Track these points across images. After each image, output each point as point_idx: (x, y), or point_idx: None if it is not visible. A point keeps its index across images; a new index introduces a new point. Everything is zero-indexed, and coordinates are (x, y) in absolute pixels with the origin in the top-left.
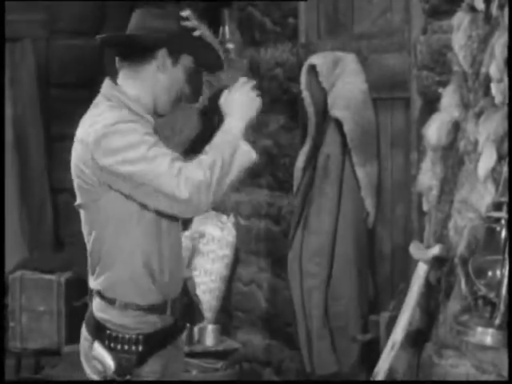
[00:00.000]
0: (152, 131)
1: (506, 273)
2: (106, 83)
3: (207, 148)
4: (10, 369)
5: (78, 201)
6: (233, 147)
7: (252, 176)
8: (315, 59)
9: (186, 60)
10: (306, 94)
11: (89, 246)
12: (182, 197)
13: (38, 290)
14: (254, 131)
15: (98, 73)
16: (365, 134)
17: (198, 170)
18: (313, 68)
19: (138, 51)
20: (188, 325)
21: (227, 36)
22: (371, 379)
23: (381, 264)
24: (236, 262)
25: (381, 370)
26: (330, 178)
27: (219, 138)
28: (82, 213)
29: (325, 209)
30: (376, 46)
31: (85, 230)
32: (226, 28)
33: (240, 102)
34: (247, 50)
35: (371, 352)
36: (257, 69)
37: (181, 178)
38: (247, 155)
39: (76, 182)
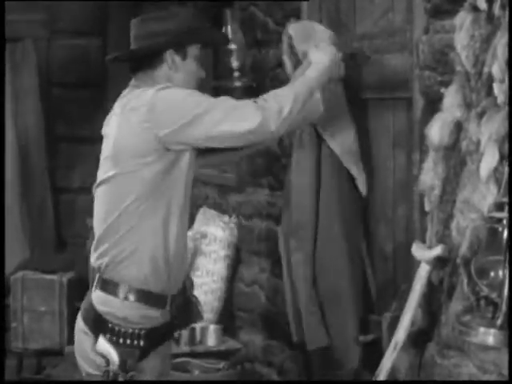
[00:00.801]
0: None
1: (507, 273)
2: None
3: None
4: (12, 369)
5: (111, 172)
6: (309, 93)
7: (253, 176)
8: (292, 27)
9: (194, 49)
10: (285, 59)
11: (105, 223)
12: (255, 119)
13: (39, 291)
14: None
15: (100, 72)
16: (329, 108)
17: (273, 100)
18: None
19: (146, 61)
20: (185, 324)
21: (229, 36)
22: (373, 379)
23: (383, 264)
24: (238, 262)
25: (383, 370)
26: (305, 150)
27: (299, 81)
28: (107, 188)
29: (303, 182)
30: (378, 46)
31: (105, 205)
32: (229, 28)
33: (324, 57)
34: (249, 50)
35: (373, 352)
36: (259, 69)
37: (257, 103)
38: (317, 105)
39: (113, 154)
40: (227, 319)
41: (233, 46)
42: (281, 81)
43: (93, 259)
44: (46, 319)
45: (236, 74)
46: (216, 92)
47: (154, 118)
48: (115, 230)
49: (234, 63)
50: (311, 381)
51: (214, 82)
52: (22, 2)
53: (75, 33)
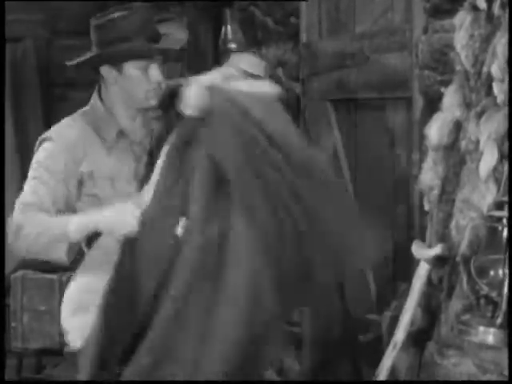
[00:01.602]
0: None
1: (507, 272)
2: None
3: (49, 220)
4: (12, 369)
5: None
6: (55, 241)
7: None
8: None
9: (132, 66)
10: None
11: None
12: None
13: (39, 290)
14: None
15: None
16: None
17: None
18: None
19: (93, 73)
20: None
21: (229, 36)
22: (373, 379)
23: (383, 263)
24: None
25: (383, 370)
26: None
27: (57, 222)
28: None
29: None
30: (377, 45)
31: None
32: (228, 28)
33: (109, 218)
34: (249, 49)
35: (373, 352)
36: None
37: (11, 221)
38: (60, 254)
39: None
40: None
41: (232, 46)
42: (280, 80)
43: None
44: (45, 319)
45: None
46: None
47: None
48: None
49: None
50: (312, 381)
51: None
52: (22, 2)
53: (75, 33)
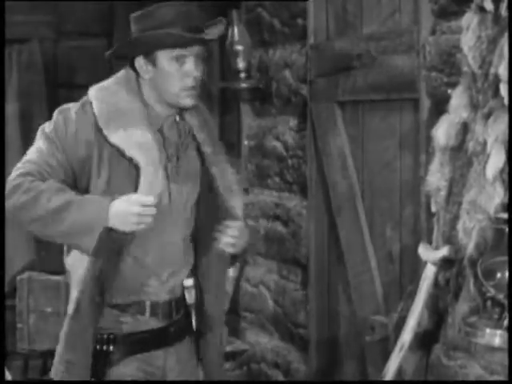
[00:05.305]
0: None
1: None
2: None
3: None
4: (18, 370)
5: None
6: (75, 214)
7: (260, 177)
8: None
9: (171, 52)
10: None
11: None
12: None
13: (45, 291)
14: (263, 132)
15: (106, 74)
16: None
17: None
18: None
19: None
20: (177, 335)
21: (236, 37)
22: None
23: (389, 265)
24: (244, 263)
25: (389, 371)
26: None
27: (87, 202)
28: None
29: None
30: (385, 46)
31: None
32: (235, 29)
33: (120, 211)
34: (256, 50)
35: (380, 353)
36: (265, 70)
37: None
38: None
39: None
40: (233, 320)
41: (239, 47)
42: (287, 82)
43: None
44: (51, 320)
45: (242, 75)
46: (223, 93)
47: None
48: None
49: (241, 64)
50: (311, 381)
51: (221, 84)
52: (27, 2)
53: (82, 34)
